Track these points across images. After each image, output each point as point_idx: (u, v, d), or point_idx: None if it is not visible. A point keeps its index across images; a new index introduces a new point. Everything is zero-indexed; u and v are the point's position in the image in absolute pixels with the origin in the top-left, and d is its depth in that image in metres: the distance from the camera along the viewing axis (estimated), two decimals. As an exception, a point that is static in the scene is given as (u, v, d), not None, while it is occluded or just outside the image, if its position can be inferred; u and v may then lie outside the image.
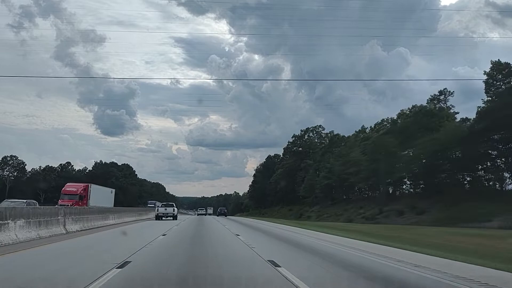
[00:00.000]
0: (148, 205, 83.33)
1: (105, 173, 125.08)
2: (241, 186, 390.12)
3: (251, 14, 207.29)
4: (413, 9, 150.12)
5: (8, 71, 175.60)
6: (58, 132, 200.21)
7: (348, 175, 58.18)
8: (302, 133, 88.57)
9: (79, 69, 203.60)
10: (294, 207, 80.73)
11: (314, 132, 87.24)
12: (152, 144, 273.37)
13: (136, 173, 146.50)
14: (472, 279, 7.44)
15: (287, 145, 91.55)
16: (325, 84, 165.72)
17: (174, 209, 35.26)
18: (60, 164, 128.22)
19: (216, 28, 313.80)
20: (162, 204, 38.11)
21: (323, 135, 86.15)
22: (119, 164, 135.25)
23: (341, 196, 66.56)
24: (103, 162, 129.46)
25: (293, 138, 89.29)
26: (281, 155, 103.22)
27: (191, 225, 27.07)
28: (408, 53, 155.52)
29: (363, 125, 67.18)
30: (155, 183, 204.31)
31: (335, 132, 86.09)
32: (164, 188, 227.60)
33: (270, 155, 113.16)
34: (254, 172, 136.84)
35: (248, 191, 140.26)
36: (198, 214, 75.66)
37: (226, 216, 64.33)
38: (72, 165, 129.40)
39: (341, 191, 66.22)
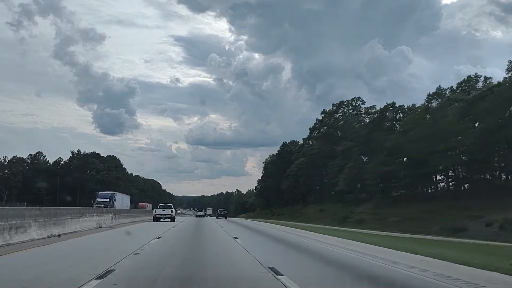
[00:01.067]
0: (98, 199, 53.64)
1: (83, 165, 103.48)
2: (241, 185, 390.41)
3: (252, 13, 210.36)
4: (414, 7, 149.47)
5: (7, 70, 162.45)
6: (58, 131, 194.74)
7: (430, 155, 36.74)
8: (334, 108, 66.73)
9: (79, 68, 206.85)
10: (327, 207, 59.25)
11: (350, 107, 65.65)
12: (151, 143, 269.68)
13: (124, 166, 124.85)
14: None
15: (314, 125, 69.55)
16: (325, 82, 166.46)
17: (172, 210, 34.00)
18: (30, 155, 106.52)
19: (216, 26, 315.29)
20: (160, 205, 36.37)
21: (363, 110, 64.48)
22: (103, 155, 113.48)
23: (418, 189, 44.62)
24: (82, 153, 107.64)
25: (323, 115, 67.36)
26: (302, 141, 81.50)
27: (184, 236, 16.09)
28: (409, 51, 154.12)
29: (439, 86, 45.69)
30: (149, 179, 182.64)
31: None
32: (160, 186, 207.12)
33: (285, 142, 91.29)
34: (263, 164, 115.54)
35: (256, 187, 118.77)
36: (196, 216, 66.69)
37: (226, 218, 56.51)
38: (45, 156, 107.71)
39: (414, 182, 44.42)
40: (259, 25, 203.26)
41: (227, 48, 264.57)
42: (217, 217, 56.76)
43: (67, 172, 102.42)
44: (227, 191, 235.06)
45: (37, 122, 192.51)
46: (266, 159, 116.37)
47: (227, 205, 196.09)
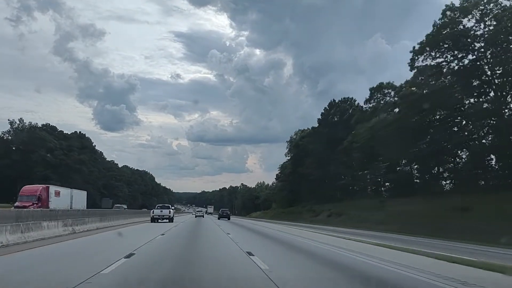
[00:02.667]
0: None
1: (30, 141, 70.89)
2: (242, 181, 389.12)
3: (253, 7, 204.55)
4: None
5: (7, 66, 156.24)
6: (58, 128, 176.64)
7: None
8: (448, 19, 32.53)
9: (79, 64, 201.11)
10: (471, 200, 26.85)
11: (487, 8, 31.87)
12: (152, 139, 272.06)
13: (96, 147, 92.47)
14: None
15: (417, 49, 35.01)
16: (327, 78, 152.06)
17: (170, 211, 33.29)
18: (-46, 127, 73.93)
19: (216, 22, 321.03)
20: (158, 206, 34.70)
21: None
22: (62, 130, 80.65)
23: None
24: (27, 124, 74.68)
25: (435, 27, 32.72)
26: (369, 93, 48.79)
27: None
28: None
29: None
30: (138, 170, 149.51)
31: None
32: (154, 178, 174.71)
33: (333, 100, 57.44)
34: (287, 144, 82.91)
35: (277, 175, 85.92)
36: (196, 216, 56.89)
37: (229, 219, 49.57)
38: (-24, 129, 75.14)
39: None
40: (260, 21, 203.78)
41: (228, 44, 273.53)
42: (219, 218, 50.41)
43: (6, 152, 70.30)
44: (230, 186, 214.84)
45: (37, 118, 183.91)
46: (291, 137, 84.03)
47: (231, 202, 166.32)
